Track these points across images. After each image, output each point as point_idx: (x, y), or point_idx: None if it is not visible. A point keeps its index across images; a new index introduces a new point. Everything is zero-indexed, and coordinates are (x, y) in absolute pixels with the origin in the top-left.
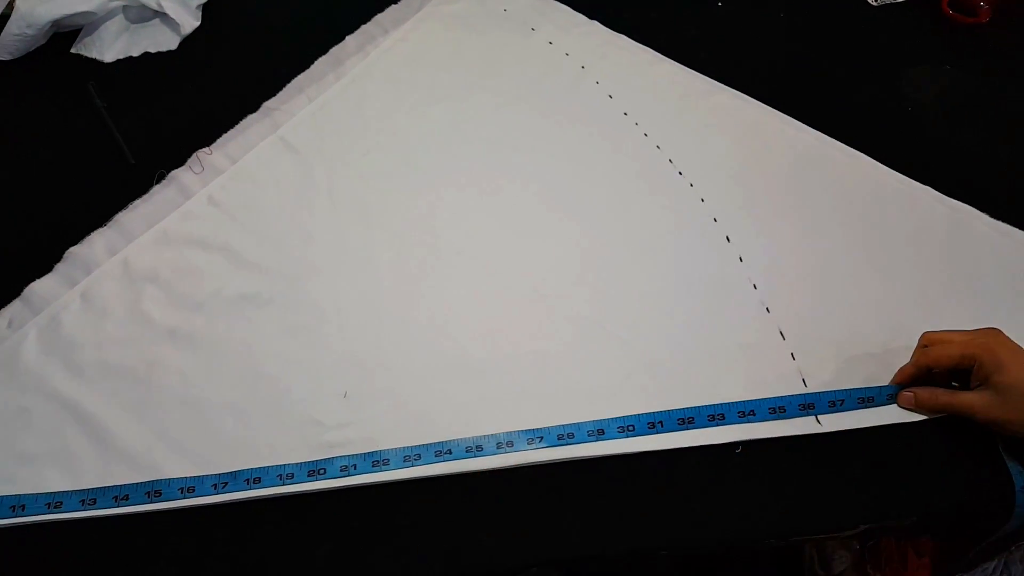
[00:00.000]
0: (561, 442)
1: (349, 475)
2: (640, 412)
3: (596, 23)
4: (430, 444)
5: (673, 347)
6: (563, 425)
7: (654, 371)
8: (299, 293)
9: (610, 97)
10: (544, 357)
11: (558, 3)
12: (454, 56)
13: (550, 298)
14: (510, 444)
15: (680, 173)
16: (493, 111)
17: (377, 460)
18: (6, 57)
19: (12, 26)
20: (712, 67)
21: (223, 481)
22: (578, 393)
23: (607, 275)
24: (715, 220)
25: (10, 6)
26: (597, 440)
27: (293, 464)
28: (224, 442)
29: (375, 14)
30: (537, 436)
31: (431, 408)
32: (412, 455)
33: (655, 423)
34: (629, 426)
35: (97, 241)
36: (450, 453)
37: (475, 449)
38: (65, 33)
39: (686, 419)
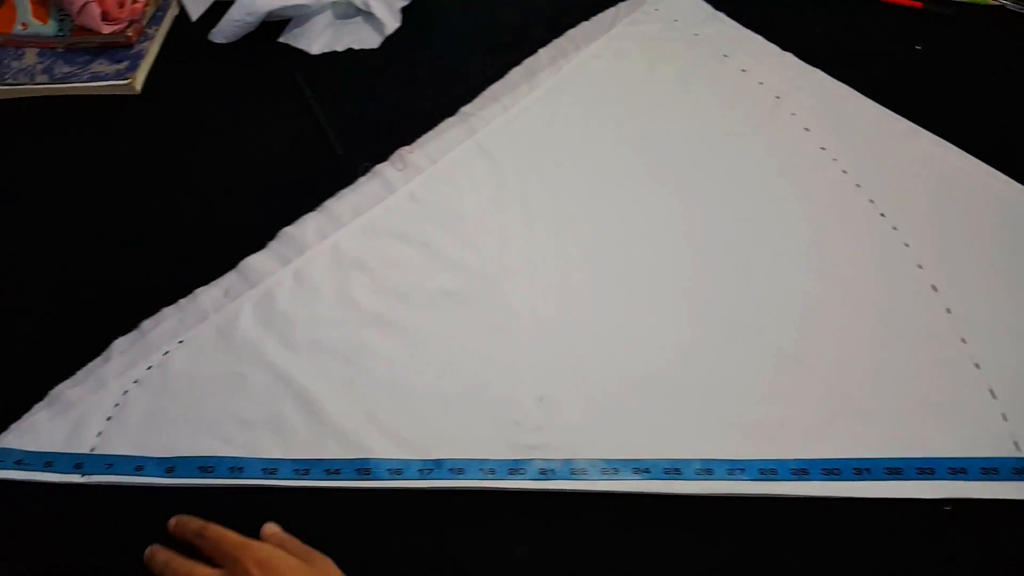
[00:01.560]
0: (763, 477)
1: (548, 479)
2: (845, 456)
3: (790, 55)
4: (629, 460)
5: (875, 393)
6: (766, 460)
7: (856, 416)
8: (496, 295)
9: (806, 130)
10: (742, 387)
11: (751, 32)
12: (646, 76)
13: (746, 329)
14: (709, 472)
15: (882, 215)
16: (684, 134)
17: (576, 468)
18: (221, 40)
19: (234, 12)
20: (909, 110)
21: (428, 467)
22: (779, 428)
23: (805, 312)
24: (920, 267)
25: None
26: (800, 480)
27: (495, 460)
28: (428, 430)
29: (567, 29)
30: (739, 467)
31: (625, 422)
32: (610, 468)
33: (862, 469)
34: (835, 469)
35: (309, 224)
36: (648, 472)
37: (674, 472)
38: (271, 23)
39: (894, 469)
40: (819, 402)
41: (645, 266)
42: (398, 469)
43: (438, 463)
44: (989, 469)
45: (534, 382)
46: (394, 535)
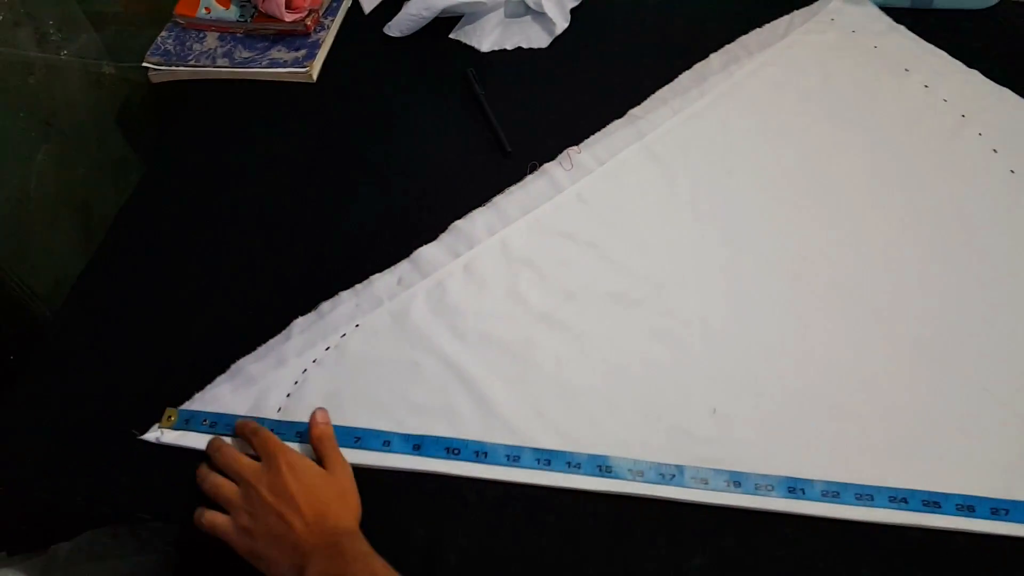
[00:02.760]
0: (960, 513)
1: (734, 491)
2: None
3: (976, 72)
4: (816, 481)
5: None
6: (965, 495)
7: None
8: (665, 301)
9: (995, 152)
10: (928, 418)
11: (934, 47)
12: (822, 87)
13: (933, 355)
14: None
15: None
16: (863, 149)
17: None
18: (396, 34)
19: (411, 7)
20: None
21: (671, 473)
22: (967, 464)
23: (995, 346)
24: None
25: None
26: (1000, 520)
27: (673, 465)
28: (599, 431)
29: (739, 35)
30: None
31: (803, 443)
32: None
33: None
34: None
35: (478, 219)
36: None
37: (866, 498)
38: (442, 19)
39: None
40: (1013, 439)
41: (822, 285)
42: (640, 471)
43: (680, 470)
44: None
45: (706, 393)
46: (565, 540)
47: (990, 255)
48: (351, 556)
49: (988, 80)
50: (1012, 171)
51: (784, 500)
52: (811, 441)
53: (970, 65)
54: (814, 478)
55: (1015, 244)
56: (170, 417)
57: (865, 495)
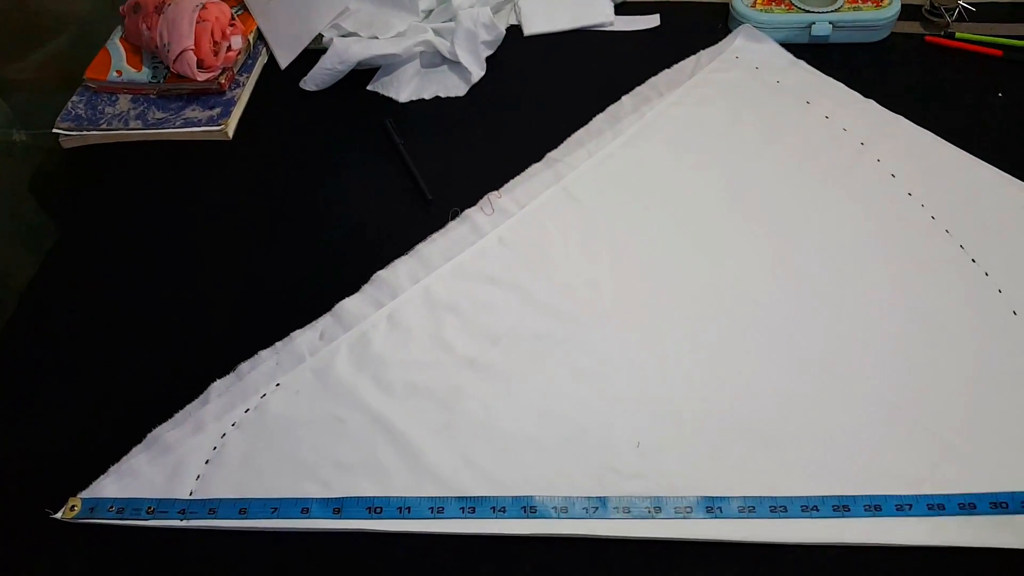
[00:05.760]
0: (868, 513)
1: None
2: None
3: (872, 102)
4: (732, 498)
5: (978, 439)
6: (872, 496)
7: (961, 463)
8: (589, 339)
9: (892, 176)
10: (843, 434)
11: (833, 80)
12: (729, 123)
13: (842, 373)
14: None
15: (973, 260)
16: (771, 180)
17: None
18: (312, 88)
19: (326, 61)
20: (992, 157)
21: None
22: (881, 476)
23: (898, 359)
24: (1015, 313)
25: (317, 40)
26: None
27: (596, 497)
28: (527, 474)
29: (649, 77)
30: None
31: (721, 466)
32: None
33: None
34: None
35: (401, 268)
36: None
37: (780, 509)
38: (359, 71)
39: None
40: (921, 449)
41: (735, 311)
42: (564, 508)
43: (603, 501)
44: None
45: (630, 428)
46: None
47: (891, 275)
48: None
49: (883, 108)
50: (910, 194)
51: (704, 520)
52: (729, 463)
53: (866, 95)
54: (731, 495)
55: (915, 264)
56: (73, 507)
57: (779, 507)
